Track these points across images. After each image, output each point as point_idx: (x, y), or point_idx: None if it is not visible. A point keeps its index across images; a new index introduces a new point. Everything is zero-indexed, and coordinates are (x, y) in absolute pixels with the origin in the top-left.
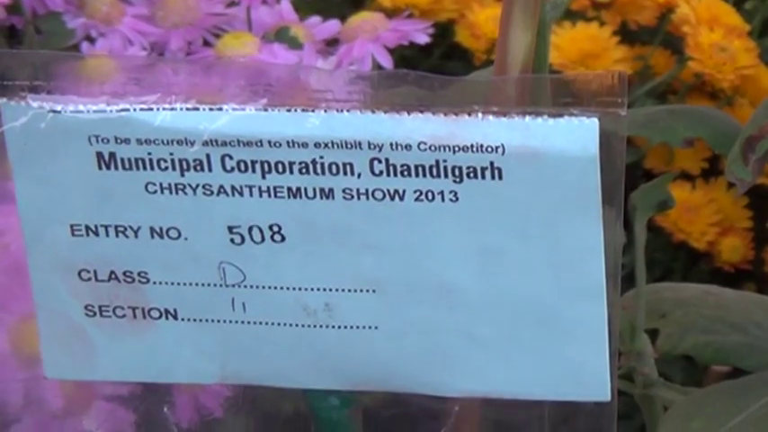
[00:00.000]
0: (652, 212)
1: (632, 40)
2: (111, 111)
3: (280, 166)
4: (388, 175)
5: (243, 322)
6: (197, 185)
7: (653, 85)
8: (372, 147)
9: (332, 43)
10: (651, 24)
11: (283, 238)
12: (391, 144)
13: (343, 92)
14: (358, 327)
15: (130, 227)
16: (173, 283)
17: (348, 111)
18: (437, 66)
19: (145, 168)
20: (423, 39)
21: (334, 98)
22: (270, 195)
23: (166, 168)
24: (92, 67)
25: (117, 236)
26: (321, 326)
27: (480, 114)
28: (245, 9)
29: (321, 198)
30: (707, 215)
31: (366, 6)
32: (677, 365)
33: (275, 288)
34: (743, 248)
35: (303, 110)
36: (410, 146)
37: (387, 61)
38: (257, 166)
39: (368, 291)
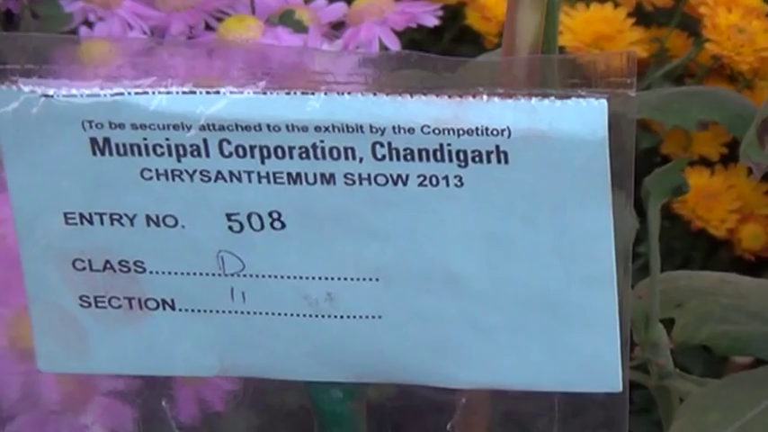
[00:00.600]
0: (666, 198)
1: (648, 21)
2: (104, 95)
3: (279, 151)
4: (391, 159)
5: (242, 313)
6: (194, 171)
7: (670, 68)
8: (374, 130)
9: (338, 26)
10: (667, 5)
11: (283, 226)
12: (394, 127)
13: (344, 74)
14: (361, 316)
15: (126, 215)
16: (170, 273)
17: (349, 93)
18: (447, 49)
19: (140, 154)
20: (431, 21)
21: (336, 81)
22: (269, 181)
23: (162, 154)
24: (86, 50)
25: (112, 224)
26: (323, 316)
27: (485, 96)
28: None
29: (322, 183)
30: (726, 202)
31: None
32: (697, 356)
33: (275, 277)
34: (764, 236)
35: (303, 93)
36: (413, 129)
37: (394, 44)
38: (256, 151)
39: (371, 279)
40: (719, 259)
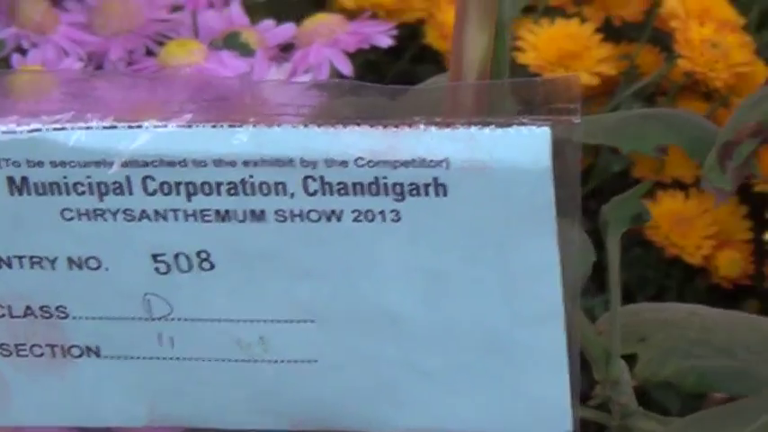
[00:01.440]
0: (626, 227)
1: (617, 37)
2: (21, 131)
3: (206, 188)
4: (324, 194)
5: (171, 359)
6: (117, 210)
7: (640, 86)
8: (306, 164)
9: (288, 49)
10: (637, 20)
11: (212, 266)
12: (326, 160)
13: (274, 105)
14: (296, 361)
15: (46, 257)
16: (94, 318)
17: (278, 125)
18: (407, 70)
19: (60, 193)
20: (385, 41)
21: (265, 112)
22: (196, 219)
23: (83, 193)
24: (12, 83)
25: (32, 267)
26: (256, 361)
27: (422, 126)
28: (191, 13)
29: (252, 221)
30: (702, 227)
31: (327, 7)
32: (673, 392)
33: (205, 321)
34: (742, 262)
35: (230, 126)
36: (347, 162)
37: (345, 68)
38: (182, 188)
39: (305, 321)
40: (696, 288)
